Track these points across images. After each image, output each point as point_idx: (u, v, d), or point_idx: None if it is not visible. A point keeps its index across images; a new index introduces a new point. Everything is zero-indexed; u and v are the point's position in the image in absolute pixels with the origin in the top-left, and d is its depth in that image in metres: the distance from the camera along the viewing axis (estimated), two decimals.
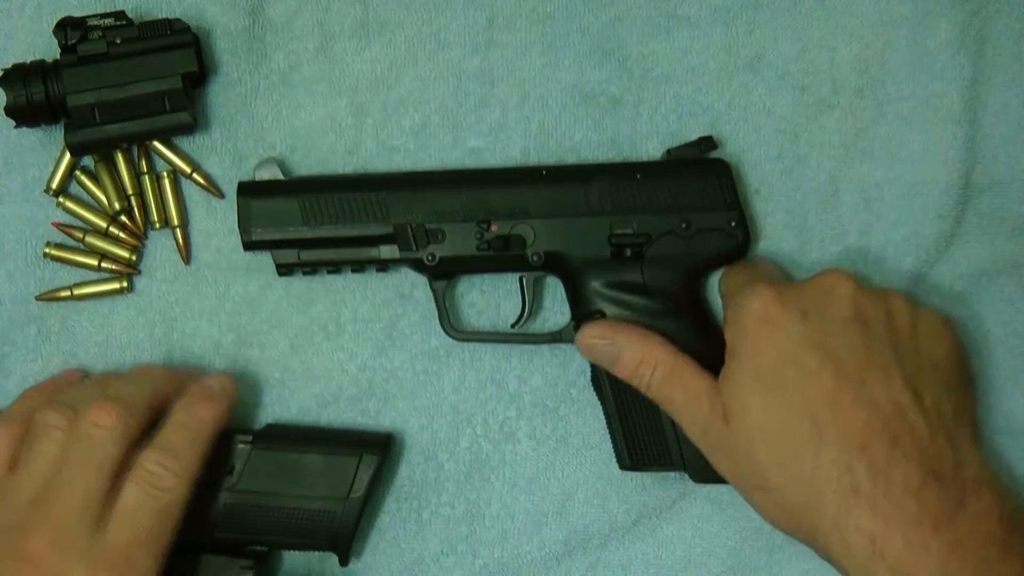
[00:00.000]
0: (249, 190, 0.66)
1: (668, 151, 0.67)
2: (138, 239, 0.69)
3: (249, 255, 0.69)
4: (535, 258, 0.65)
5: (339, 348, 0.70)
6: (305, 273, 0.67)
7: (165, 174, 0.69)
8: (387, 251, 0.66)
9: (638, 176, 0.65)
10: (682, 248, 0.65)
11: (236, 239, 0.67)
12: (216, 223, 0.70)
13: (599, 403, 0.68)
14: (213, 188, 0.69)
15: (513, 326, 0.68)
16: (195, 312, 0.70)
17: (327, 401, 0.70)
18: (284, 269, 0.66)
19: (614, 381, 0.65)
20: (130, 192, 0.69)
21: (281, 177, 0.66)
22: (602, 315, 0.65)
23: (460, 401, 0.70)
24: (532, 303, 0.67)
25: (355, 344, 0.70)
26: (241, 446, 0.66)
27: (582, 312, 0.66)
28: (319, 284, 0.70)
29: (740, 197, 0.67)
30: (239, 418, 0.69)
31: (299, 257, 0.65)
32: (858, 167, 0.69)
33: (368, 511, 0.68)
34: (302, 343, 0.70)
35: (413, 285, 0.70)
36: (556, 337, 0.67)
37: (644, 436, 0.65)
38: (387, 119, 0.69)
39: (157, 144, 0.69)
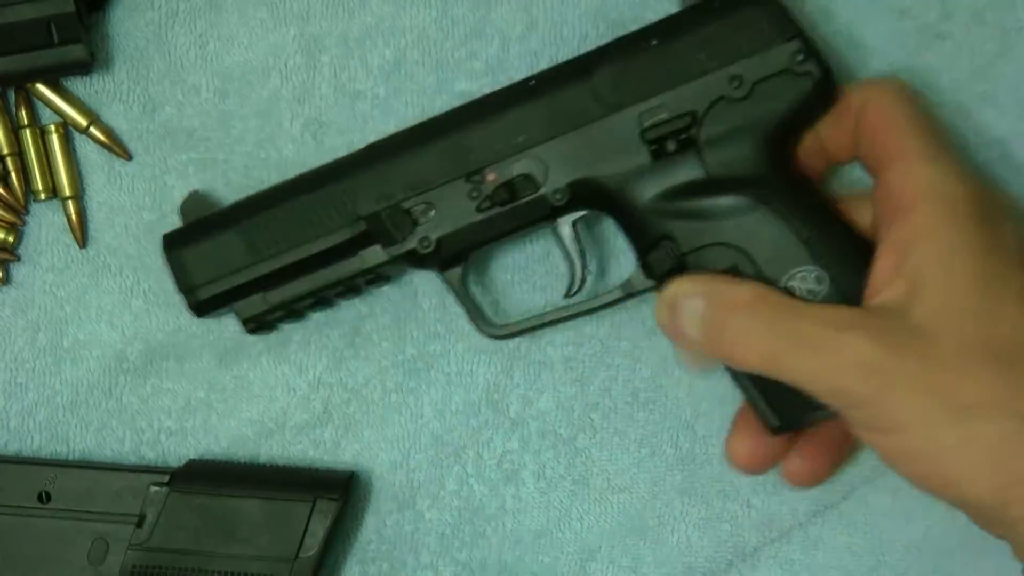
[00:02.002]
0: (177, 241, 0.63)
1: None
2: (17, 215, 0.67)
3: (166, 230, 0.66)
4: (557, 197, 0.60)
5: (283, 359, 0.69)
6: (282, 321, 0.64)
7: (53, 128, 0.67)
8: (371, 254, 0.62)
9: (653, 43, 0.60)
10: (743, 114, 0.59)
11: (146, 215, 0.66)
12: (121, 193, 0.68)
13: (642, 431, 0.66)
14: (117, 147, 0.67)
15: (568, 296, 0.64)
16: (92, 312, 0.68)
17: (268, 430, 0.68)
18: (255, 324, 0.63)
19: None
20: (5, 152, 0.67)
21: (211, 211, 0.63)
22: (671, 240, 0.59)
23: (445, 429, 0.68)
24: (582, 258, 0.63)
25: (305, 354, 0.69)
26: (154, 489, 0.65)
27: (646, 243, 0.60)
28: None
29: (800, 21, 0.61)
30: (151, 453, 0.68)
31: (266, 301, 0.62)
32: (976, 117, 0.65)
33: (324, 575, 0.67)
34: (235, 353, 0.69)
35: None
36: (628, 290, 0.62)
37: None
38: (348, 55, 0.67)
39: (42, 88, 0.66)
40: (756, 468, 0.61)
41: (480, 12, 0.66)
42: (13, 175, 0.66)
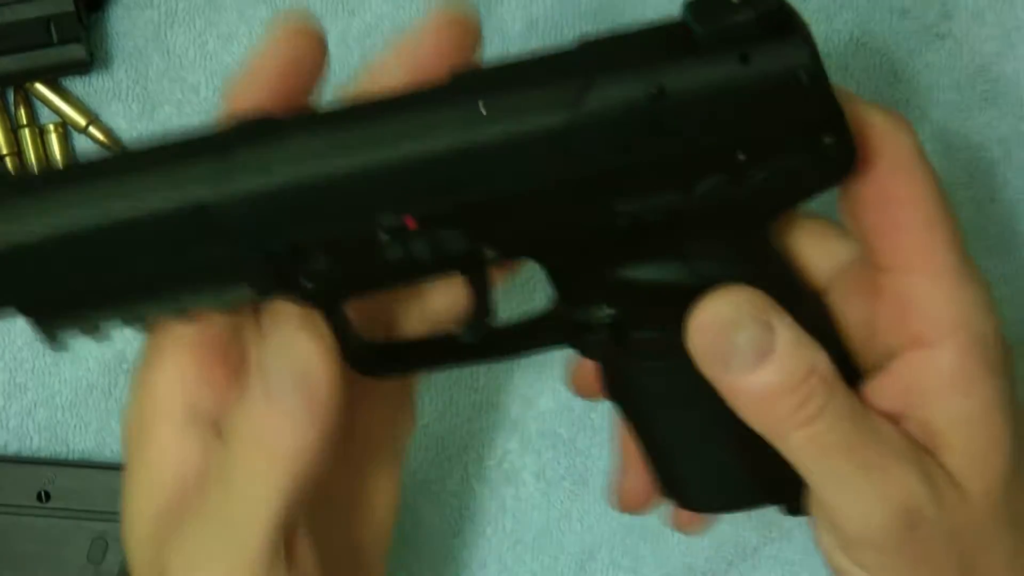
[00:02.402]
0: None
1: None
2: None
3: None
4: (492, 255, 0.47)
5: None
6: (77, 335, 0.48)
7: (52, 127, 0.65)
8: (231, 293, 0.47)
9: (651, 92, 0.44)
10: (742, 196, 0.46)
11: None
12: None
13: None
14: (116, 146, 0.65)
15: (461, 339, 0.51)
16: None
17: None
18: (45, 335, 0.47)
19: (649, 382, 0.49)
20: (4, 152, 0.65)
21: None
22: (618, 319, 0.48)
23: (445, 430, 0.67)
24: (486, 300, 0.49)
25: None
26: None
27: (578, 317, 0.49)
28: None
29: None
30: None
31: (63, 314, 0.47)
32: (977, 117, 0.65)
33: None
34: None
35: None
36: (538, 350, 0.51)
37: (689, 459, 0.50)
38: (348, 54, 0.65)
39: (41, 87, 0.65)
40: (639, 510, 0.56)
41: (480, 11, 0.61)
42: (12, 175, 0.64)
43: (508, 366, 0.65)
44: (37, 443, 0.65)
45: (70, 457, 0.65)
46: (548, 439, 0.66)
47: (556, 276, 0.49)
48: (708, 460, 0.51)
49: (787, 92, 0.44)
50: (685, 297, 0.47)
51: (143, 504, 0.47)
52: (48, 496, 0.63)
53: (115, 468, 0.64)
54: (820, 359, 0.46)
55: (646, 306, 0.47)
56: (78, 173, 0.46)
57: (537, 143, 0.44)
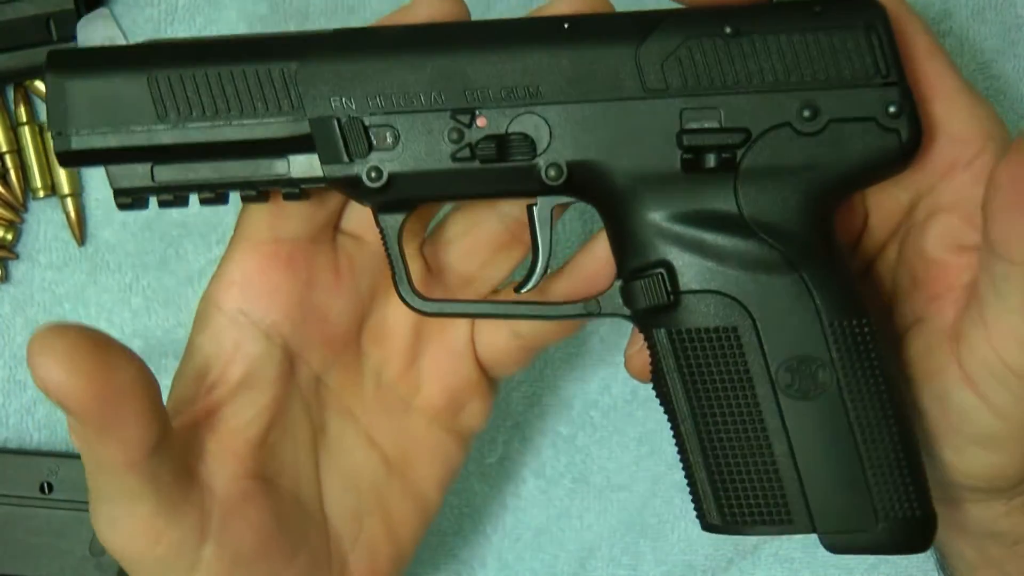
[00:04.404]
0: (67, 63, 0.50)
1: None
2: (15, 212, 0.66)
3: (171, 226, 0.64)
4: (552, 173, 0.50)
5: None
6: (165, 204, 0.52)
7: None
8: (301, 164, 0.51)
9: (727, 30, 0.50)
10: (805, 153, 0.49)
11: (146, 212, 0.61)
12: None
13: (641, 429, 0.63)
14: None
15: (519, 290, 0.54)
16: (91, 309, 0.66)
17: None
18: (128, 197, 0.51)
19: (697, 379, 0.50)
20: (4, 149, 0.65)
21: (122, 40, 0.51)
22: (667, 268, 0.50)
23: None
24: (549, 251, 0.53)
25: None
26: None
27: (635, 264, 0.51)
28: None
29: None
30: None
31: (153, 177, 0.50)
32: None
33: None
34: None
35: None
36: (593, 310, 0.52)
37: (747, 475, 0.50)
38: None
39: (40, 85, 0.65)
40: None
41: (480, 8, 0.63)
42: (12, 172, 0.65)
43: None
44: (37, 440, 0.65)
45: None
46: (548, 437, 0.65)
47: (613, 225, 0.51)
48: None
49: (854, 45, 0.49)
50: (740, 250, 0.49)
51: (179, 378, 0.52)
52: (51, 488, 0.63)
53: None
54: None
55: (703, 257, 0.49)
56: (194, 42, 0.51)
57: (609, 58, 0.49)
